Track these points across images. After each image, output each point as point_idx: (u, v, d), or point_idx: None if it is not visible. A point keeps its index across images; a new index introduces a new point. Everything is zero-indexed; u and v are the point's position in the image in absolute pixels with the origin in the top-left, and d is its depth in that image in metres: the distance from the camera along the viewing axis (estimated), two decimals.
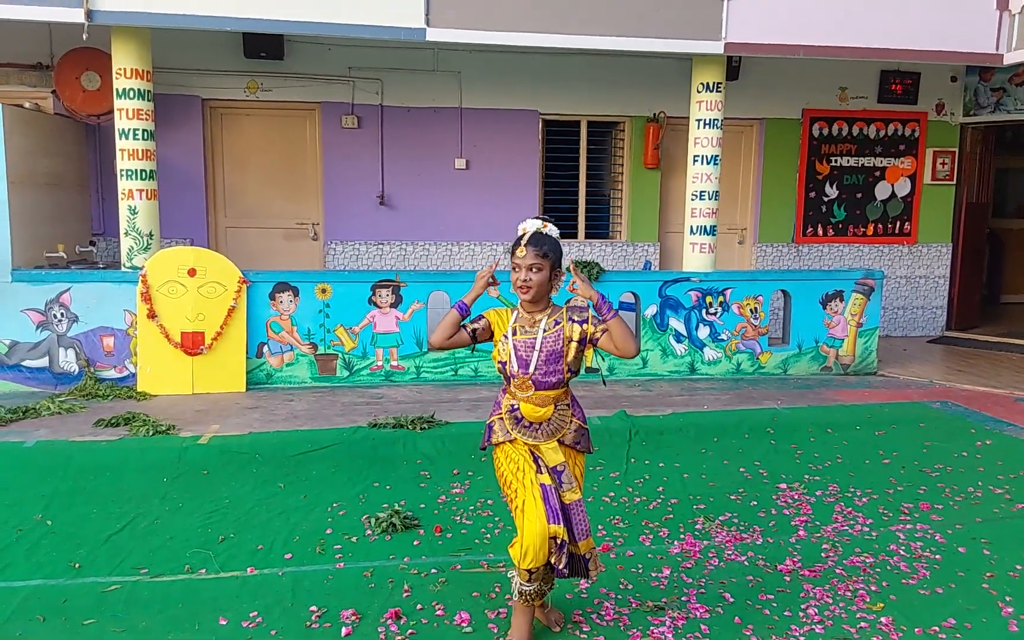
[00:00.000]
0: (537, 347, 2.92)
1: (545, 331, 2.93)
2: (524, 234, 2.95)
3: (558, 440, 2.99)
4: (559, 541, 2.87)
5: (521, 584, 2.94)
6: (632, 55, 8.03)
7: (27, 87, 7.63)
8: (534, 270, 2.89)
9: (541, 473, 2.93)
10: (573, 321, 2.96)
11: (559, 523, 2.87)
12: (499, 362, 2.98)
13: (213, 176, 8.32)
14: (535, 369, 2.92)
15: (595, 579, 3.14)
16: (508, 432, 2.99)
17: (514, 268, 2.93)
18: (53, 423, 5.54)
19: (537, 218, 3.00)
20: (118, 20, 6.07)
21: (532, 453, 2.97)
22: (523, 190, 8.68)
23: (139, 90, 6.30)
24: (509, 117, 8.58)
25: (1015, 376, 7.54)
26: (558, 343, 2.93)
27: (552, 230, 2.97)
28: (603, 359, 6.99)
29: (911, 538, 3.99)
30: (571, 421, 3.02)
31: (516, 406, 2.97)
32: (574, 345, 2.94)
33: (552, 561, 2.90)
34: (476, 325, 3.00)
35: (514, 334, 2.96)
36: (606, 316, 2.92)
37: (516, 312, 3.01)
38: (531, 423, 2.97)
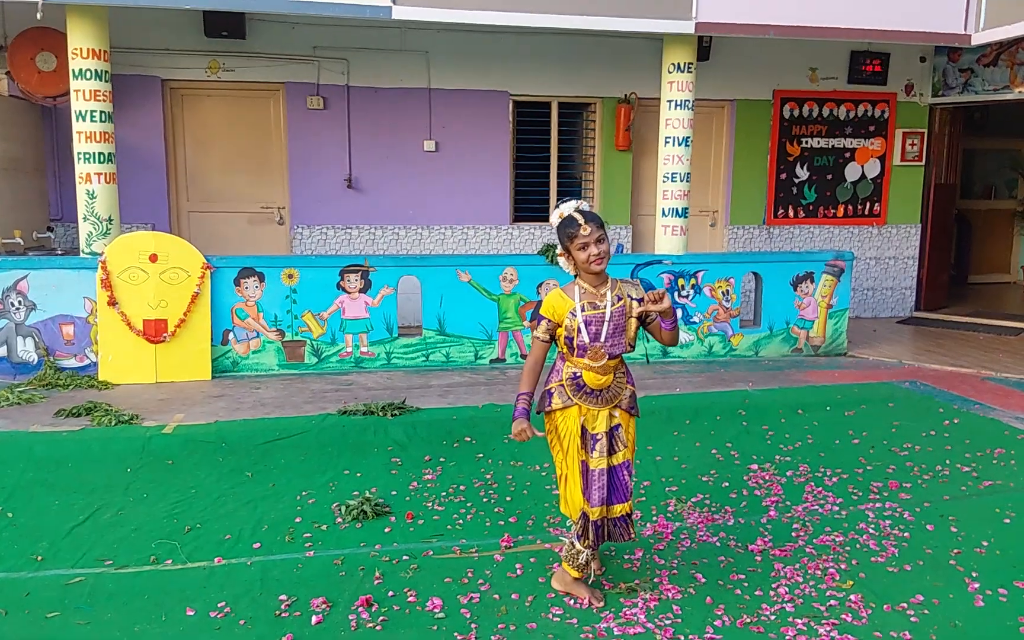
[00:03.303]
0: (607, 319, 3.08)
1: (612, 305, 3.10)
2: (576, 215, 3.06)
3: (615, 405, 3.16)
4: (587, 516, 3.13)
5: (580, 548, 3.16)
6: (603, 35, 7.98)
7: None
8: (601, 241, 3.05)
9: (583, 450, 3.13)
10: (632, 298, 3.14)
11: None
12: (565, 338, 3.12)
13: (174, 159, 8.14)
14: (605, 340, 3.08)
15: (634, 538, 3.27)
16: (570, 399, 3.14)
17: (581, 248, 3.05)
18: (12, 414, 5.40)
19: (568, 200, 3.15)
20: None
21: (582, 426, 3.13)
22: (493, 172, 8.62)
23: (96, 71, 6.11)
24: (479, 98, 8.49)
25: (982, 355, 7.66)
26: (622, 318, 3.10)
27: (586, 205, 3.14)
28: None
29: (880, 516, 4.03)
30: (626, 387, 3.21)
31: (578, 374, 3.12)
32: (634, 321, 3.14)
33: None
34: (547, 330, 3.15)
35: (583, 310, 3.08)
36: (672, 324, 3.14)
37: (578, 288, 3.12)
38: (592, 390, 3.12)
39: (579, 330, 3.06)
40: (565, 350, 3.14)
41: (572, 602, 3.18)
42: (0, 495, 4.16)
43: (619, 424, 3.16)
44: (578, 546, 3.15)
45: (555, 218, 3.12)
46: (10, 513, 3.97)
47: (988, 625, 3.06)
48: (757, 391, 6.22)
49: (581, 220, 3.04)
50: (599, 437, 3.12)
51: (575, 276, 3.16)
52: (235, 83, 8.03)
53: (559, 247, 3.17)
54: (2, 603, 3.16)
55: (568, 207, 3.10)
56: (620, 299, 3.11)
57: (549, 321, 3.14)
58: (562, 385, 3.15)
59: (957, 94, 9.26)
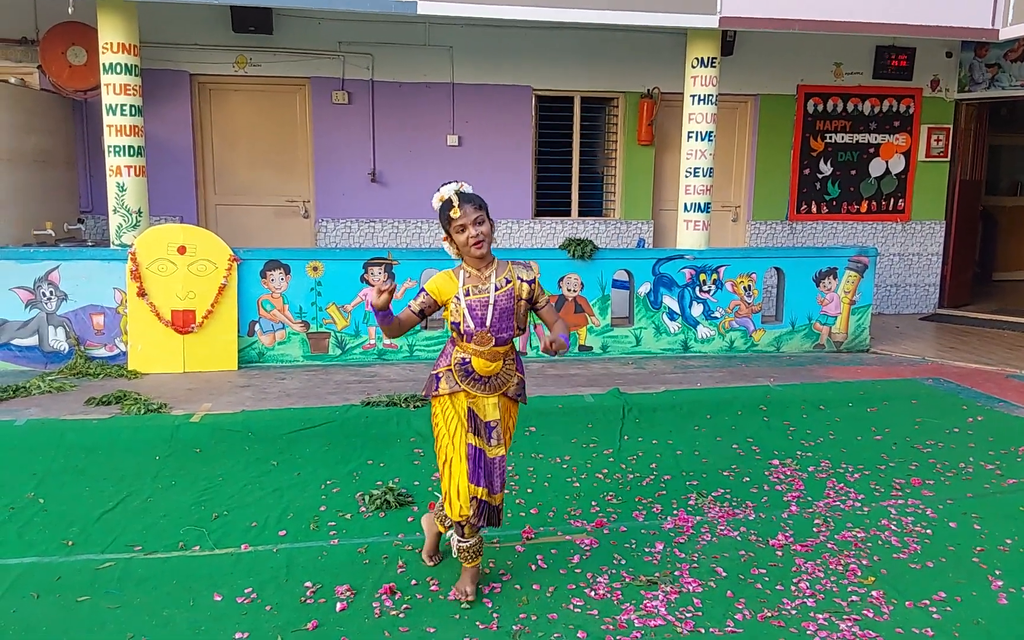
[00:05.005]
0: (491, 303, 3.04)
1: (497, 289, 3.06)
2: (450, 198, 3.02)
3: (502, 393, 3.15)
4: (480, 501, 3.09)
5: (459, 541, 3.16)
6: (626, 30, 7.97)
7: (12, 62, 7.52)
8: (479, 222, 3.02)
9: (471, 433, 3.09)
10: (522, 280, 3.11)
11: (480, 484, 3.09)
12: (451, 323, 3.09)
13: (202, 152, 8.25)
14: (491, 325, 3.04)
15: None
16: (457, 384, 3.11)
17: (458, 230, 3.02)
18: (44, 402, 5.50)
19: (449, 183, 3.09)
20: None
21: (469, 409, 3.10)
22: (516, 167, 8.64)
23: (126, 65, 6.21)
24: (502, 93, 8.51)
25: (1007, 353, 7.58)
26: (510, 301, 3.08)
27: (468, 187, 3.10)
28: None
29: (902, 513, 4.02)
30: (515, 375, 3.19)
31: (467, 360, 3.10)
32: (523, 303, 3.12)
33: (469, 517, 3.10)
34: (421, 305, 3.11)
35: (467, 295, 3.04)
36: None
37: (462, 273, 3.09)
38: (480, 377, 3.10)
39: (464, 316, 3.03)
40: (455, 334, 3.12)
41: (592, 593, 3.21)
42: (32, 481, 4.26)
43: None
44: (457, 541, 3.17)
45: (435, 202, 3.06)
46: (41, 499, 4.06)
47: (1012, 623, 3.05)
48: (779, 386, 6.20)
49: (455, 202, 3.00)
50: (493, 425, 3.11)
51: (461, 261, 3.11)
52: (262, 78, 8.12)
53: (443, 232, 3.09)
54: (34, 587, 3.23)
55: (448, 189, 3.04)
56: (509, 282, 3.07)
57: (428, 297, 3.09)
58: (450, 370, 3.11)
59: (984, 89, 9.14)
